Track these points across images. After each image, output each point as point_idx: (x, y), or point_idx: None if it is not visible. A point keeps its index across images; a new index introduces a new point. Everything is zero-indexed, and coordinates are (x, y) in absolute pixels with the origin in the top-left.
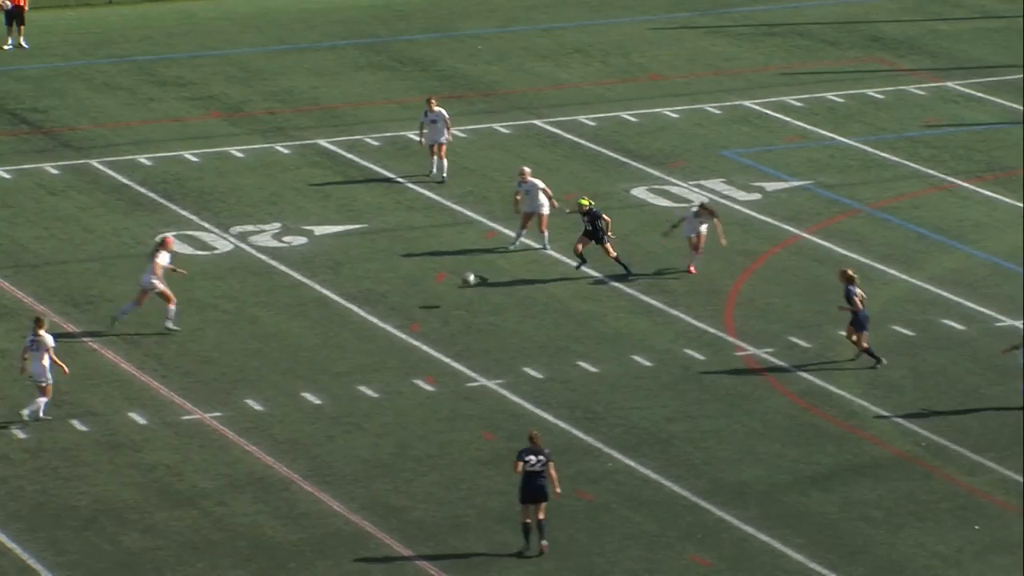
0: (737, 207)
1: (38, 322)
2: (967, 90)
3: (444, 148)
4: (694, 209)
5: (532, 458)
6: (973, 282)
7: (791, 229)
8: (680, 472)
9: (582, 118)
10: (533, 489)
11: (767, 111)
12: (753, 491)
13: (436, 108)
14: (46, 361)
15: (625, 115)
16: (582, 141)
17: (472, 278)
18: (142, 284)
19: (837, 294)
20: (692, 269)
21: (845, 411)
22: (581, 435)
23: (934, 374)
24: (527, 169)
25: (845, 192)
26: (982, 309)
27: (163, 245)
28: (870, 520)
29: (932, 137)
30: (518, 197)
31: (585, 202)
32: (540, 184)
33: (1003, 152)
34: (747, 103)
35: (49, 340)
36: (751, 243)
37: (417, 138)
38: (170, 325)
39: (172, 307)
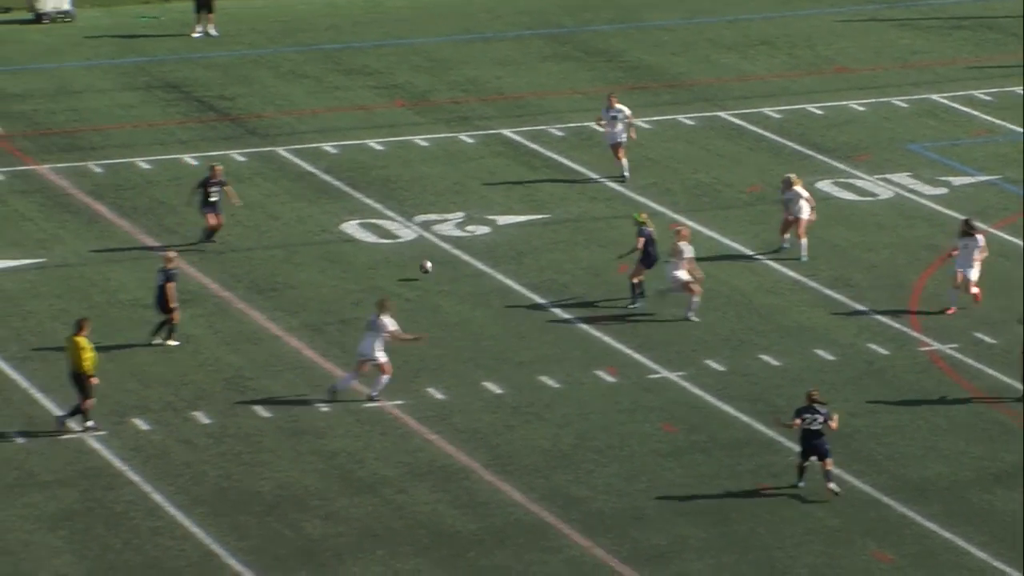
0: (923, 201)
1: (381, 305)
2: None
3: (623, 149)
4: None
5: (809, 416)
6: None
7: (978, 225)
8: (862, 467)
9: (767, 110)
10: (811, 446)
11: (955, 105)
12: (936, 488)
13: (617, 105)
14: (379, 342)
15: (811, 107)
16: (767, 133)
17: (430, 266)
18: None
19: None
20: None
21: None
22: (763, 429)
23: None
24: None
25: None
26: None
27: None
28: None
29: None
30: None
31: (641, 218)
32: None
33: None
34: (934, 96)
35: (389, 324)
36: (937, 238)
37: (600, 129)
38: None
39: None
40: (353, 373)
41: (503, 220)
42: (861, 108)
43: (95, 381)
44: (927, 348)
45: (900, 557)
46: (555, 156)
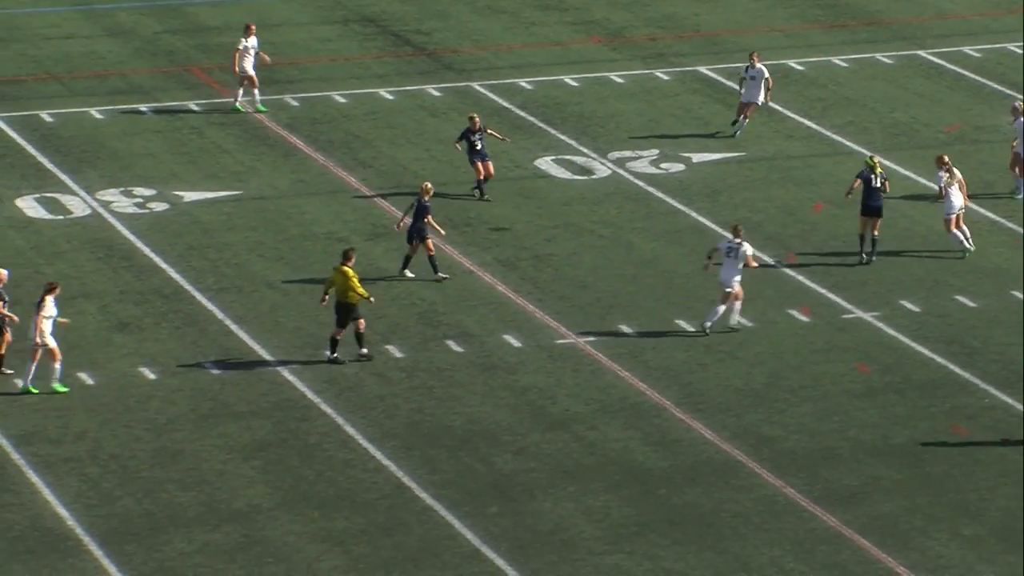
0: None
1: (736, 230)
2: None
3: (753, 109)
4: None
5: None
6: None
7: None
8: None
9: (967, 49)
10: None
11: None
12: None
13: (758, 64)
14: (738, 268)
15: (1011, 47)
16: (966, 72)
17: None
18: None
19: None
20: None
21: None
22: (958, 370)
23: None
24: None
25: None
26: None
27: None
28: None
29: None
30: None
31: (872, 163)
32: (766, 72)
33: None
34: None
35: (748, 249)
36: None
37: (799, 68)
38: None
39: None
40: (719, 305)
41: (697, 158)
42: None
43: (372, 301)
44: None
45: None
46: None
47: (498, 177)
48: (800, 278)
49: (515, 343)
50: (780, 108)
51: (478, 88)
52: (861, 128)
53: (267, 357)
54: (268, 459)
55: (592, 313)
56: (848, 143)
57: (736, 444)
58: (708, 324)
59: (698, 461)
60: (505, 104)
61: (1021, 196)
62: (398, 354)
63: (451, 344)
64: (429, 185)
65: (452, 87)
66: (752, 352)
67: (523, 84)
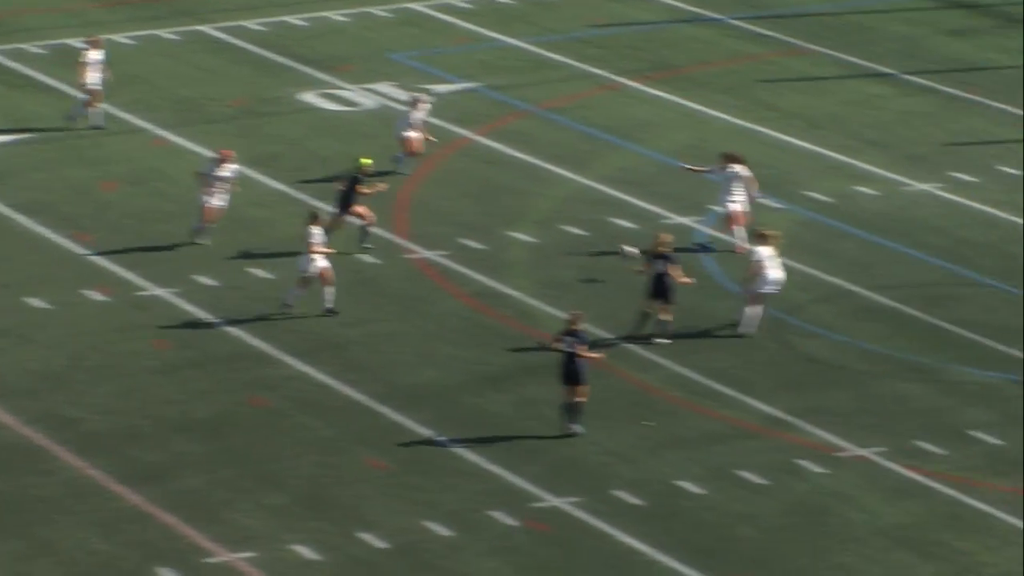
0: (406, 110)
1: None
2: None
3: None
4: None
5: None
6: (642, 181)
7: (461, 131)
8: (356, 377)
9: (248, 23)
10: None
11: (435, 13)
12: (429, 393)
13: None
14: None
15: (292, 19)
16: (249, 46)
17: (629, 249)
18: None
19: (508, 195)
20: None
21: (518, 311)
22: (256, 342)
23: (604, 272)
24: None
25: (514, 93)
26: (651, 207)
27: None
28: (544, 419)
29: (599, 37)
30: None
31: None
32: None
33: (669, 51)
34: (414, 6)
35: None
36: (425, 145)
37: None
38: None
39: None
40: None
41: None
42: (343, 19)
43: None
44: (415, 255)
45: (394, 463)
46: (36, 74)
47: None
48: (94, 258)
49: None
50: (64, 87)
51: None
52: (149, 105)
53: None
54: None
55: None
56: (138, 121)
57: (37, 428)
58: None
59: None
60: None
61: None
62: None
63: None
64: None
65: None
66: (49, 335)
67: None
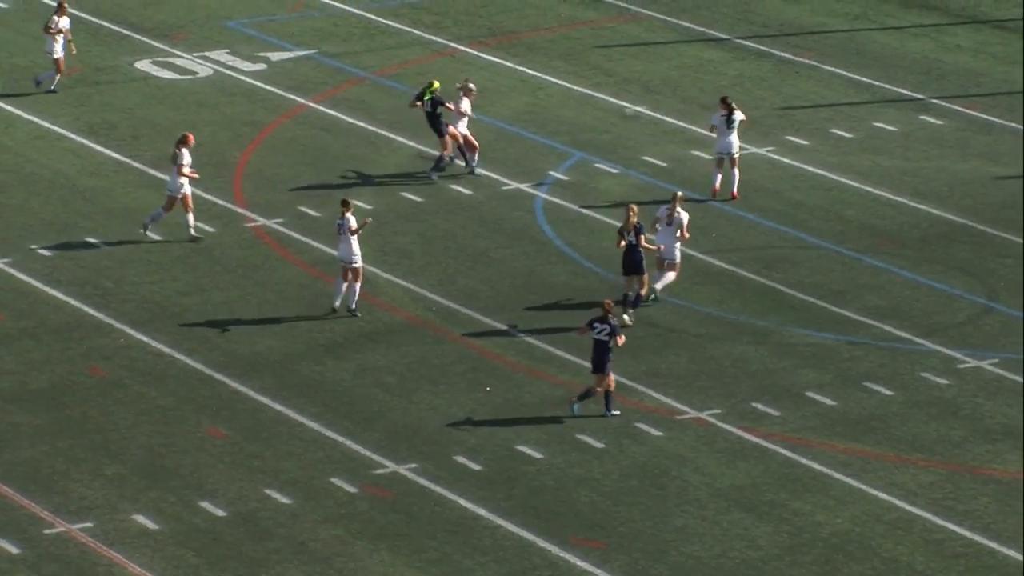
0: (243, 78)
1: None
2: None
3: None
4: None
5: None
6: (479, 147)
7: (297, 99)
8: (194, 346)
9: None
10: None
11: None
12: (267, 361)
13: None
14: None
15: None
16: (84, 15)
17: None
18: None
19: (345, 162)
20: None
21: None
22: (92, 311)
23: (443, 238)
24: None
25: (350, 60)
26: (489, 173)
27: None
28: (384, 386)
29: (434, 3)
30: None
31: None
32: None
33: (504, 17)
34: None
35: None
36: (258, 114)
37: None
38: None
39: None
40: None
41: None
42: None
43: None
44: (253, 224)
45: (234, 432)
46: None
47: None
48: None
49: None
50: None
51: None
52: None
53: None
54: None
55: None
56: None
57: None
58: None
59: None
60: None
61: None
62: None
63: None
64: None
65: None
66: None
67: None
